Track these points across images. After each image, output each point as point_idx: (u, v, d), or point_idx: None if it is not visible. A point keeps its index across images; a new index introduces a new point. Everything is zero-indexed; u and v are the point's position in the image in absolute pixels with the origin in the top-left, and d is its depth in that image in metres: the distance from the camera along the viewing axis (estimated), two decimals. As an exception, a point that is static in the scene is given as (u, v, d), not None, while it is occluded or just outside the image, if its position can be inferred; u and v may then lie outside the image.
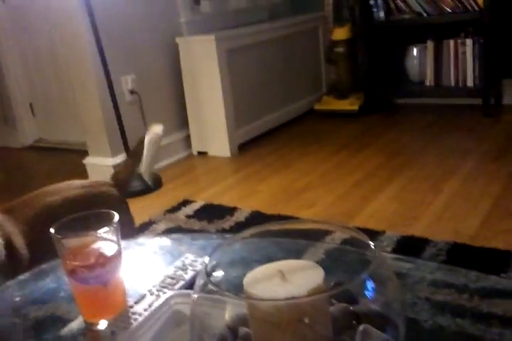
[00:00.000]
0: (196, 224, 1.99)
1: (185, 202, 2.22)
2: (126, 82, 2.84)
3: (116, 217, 0.80)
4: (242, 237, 0.66)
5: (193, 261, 0.89)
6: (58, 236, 0.75)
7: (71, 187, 1.40)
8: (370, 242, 0.57)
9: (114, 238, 0.79)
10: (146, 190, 2.49)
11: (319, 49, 3.81)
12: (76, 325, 0.78)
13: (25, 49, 3.47)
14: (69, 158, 3.05)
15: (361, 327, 0.57)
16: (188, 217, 2.09)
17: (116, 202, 1.41)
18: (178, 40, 2.99)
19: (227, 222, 1.97)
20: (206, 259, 0.59)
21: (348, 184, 2.23)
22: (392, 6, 3.40)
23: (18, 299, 0.87)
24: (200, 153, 3.03)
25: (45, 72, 3.42)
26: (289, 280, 0.55)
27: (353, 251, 0.88)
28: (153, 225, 2.00)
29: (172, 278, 0.84)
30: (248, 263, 0.76)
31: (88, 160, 2.80)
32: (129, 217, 1.45)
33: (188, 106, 3.03)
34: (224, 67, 2.92)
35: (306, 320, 0.54)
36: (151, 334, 0.71)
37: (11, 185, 2.77)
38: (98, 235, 0.78)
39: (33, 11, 3.28)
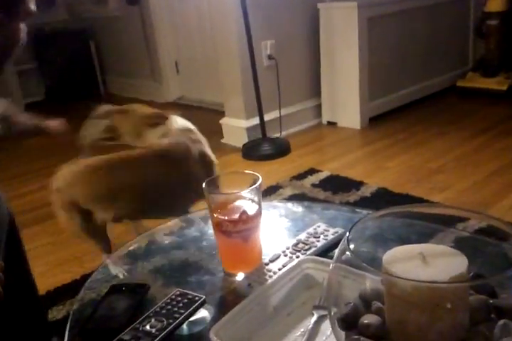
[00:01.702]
0: (321, 194, 2.01)
1: (312, 171, 2.24)
2: (265, 47, 2.88)
3: (260, 179, 0.84)
4: (379, 215, 0.66)
5: (325, 230, 0.91)
6: (208, 191, 0.82)
7: None
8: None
9: (256, 198, 0.83)
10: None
11: (469, 20, 3.52)
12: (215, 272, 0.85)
13: (174, 10, 3.65)
14: (207, 117, 3.20)
15: (501, 322, 0.55)
16: (314, 185, 2.11)
17: None
18: (319, 5, 2.95)
19: (353, 196, 1.96)
20: (346, 232, 0.60)
21: (486, 171, 2.08)
22: None
23: (167, 242, 0.97)
24: (329, 122, 3.01)
25: (191, 32, 3.58)
26: (430, 263, 0.55)
27: (487, 242, 0.84)
28: (280, 190, 2.05)
29: (304, 244, 0.87)
30: (381, 241, 0.77)
31: (224, 121, 2.92)
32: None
33: (323, 74, 3.01)
34: (363, 36, 2.83)
35: (448, 305, 0.54)
36: (283, 292, 0.76)
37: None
38: (243, 194, 0.83)
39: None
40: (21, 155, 3.01)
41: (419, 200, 1.85)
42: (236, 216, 0.81)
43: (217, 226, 0.83)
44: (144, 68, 4.01)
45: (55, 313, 1.43)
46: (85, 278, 1.55)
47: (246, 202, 0.83)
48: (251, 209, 0.83)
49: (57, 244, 1.90)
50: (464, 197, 1.88)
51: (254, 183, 0.83)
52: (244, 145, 2.67)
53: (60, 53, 4.22)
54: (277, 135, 2.76)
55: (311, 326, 0.70)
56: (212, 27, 3.16)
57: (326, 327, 0.71)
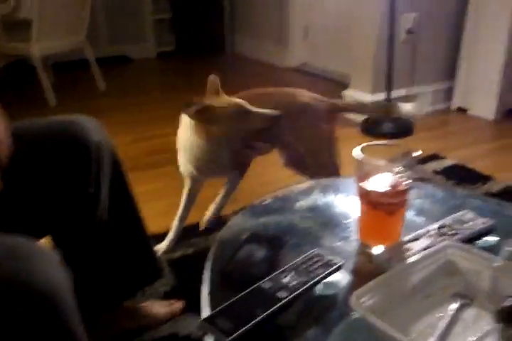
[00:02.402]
0: (443, 182, 1.91)
1: (435, 157, 2.13)
2: (406, 21, 2.73)
3: (416, 153, 0.81)
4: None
5: (472, 218, 0.87)
6: (358, 157, 0.80)
7: (304, 94, 1.54)
8: None
9: (407, 173, 0.80)
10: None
11: None
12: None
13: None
14: (328, 87, 3.15)
15: None
16: (436, 172, 2.02)
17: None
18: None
19: (477, 190, 1.84)
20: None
21: None
22: None
23: (300, 203, 0.97)
24: (459, 109, 2.83)
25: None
26: None
27: None
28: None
29: (450, 228, 0.83)
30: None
31: (347, 92, 2.85)
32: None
33: (462, 55, 2.81)
34: (519, 19, 2.58)
35: None
36: (423, 273, 0.73)
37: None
38: (395, 167, 0.80)
39: None
40: (156, 102, 3.17)
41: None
42: (386, 188, 0.79)
43: (364, 195, 0.81)
44: (272, 30, 4.00)
45: (172, 252, 1.52)
46: (198, 226, 1.64)
47: (395, 174, 0.81)
48: (401, 183, 0.80)
49: (180, 187, 2.00)
50: None
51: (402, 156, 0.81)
52: (365, 120, 2.60)
53: (195, 7, 4.33)
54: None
55: (453, 312, 0.68)
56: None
57: (468, 316, 0.68)
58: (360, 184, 0.81)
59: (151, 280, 1.25)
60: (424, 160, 2.07)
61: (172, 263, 1.46)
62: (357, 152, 0.80)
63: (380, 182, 0.80)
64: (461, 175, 1.97)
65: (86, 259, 1.07)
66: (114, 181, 1.07)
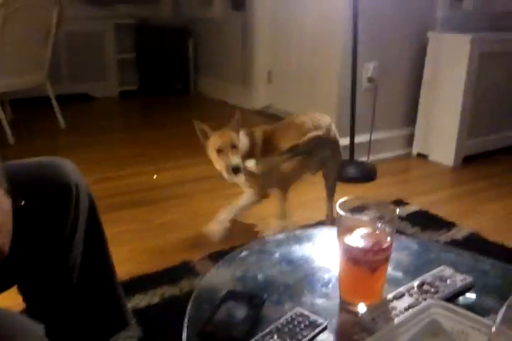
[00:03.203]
0: (408, 229, 1.93)
1: (398, 202, 2.16)
2: (367, 69, 2.84)
3: (397, 211, 0.80)
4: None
5: (451, 275, 0.86)
6: (341, 212, 0.79)
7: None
8: None
9: (390, 230, 0.80)
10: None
11: None
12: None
13: (277, 20, 3.66)
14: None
15: None
16: (401, 218, 2.04)
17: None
18: (429, 34, 2.87)
19: (443, 236, 1.87)
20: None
21: None
22: None
23: (277, 256, 0.95)
24: (419, 154, 2.91)
25: (290, 44, 3.58)
26: None
27: None
28: (365, 217, 1.99)
29: (431, 286, 0.82)
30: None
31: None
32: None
33: (421, 103, 2.92)
34: (472, 71, 2.73)
35: None
36: (409, 334, 0.72)
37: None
38: (377, 224, 0.80)
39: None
40: (118, 141, 3.12)
41: (516, 252, 1.74)
42: (369, 245, 0.78)
43: (346, 252, 0.80)
44: (236, 73, 4.07)
45: (137, 301, 1.44)
46: (167, 271, 1.58)
47: (379, 232, 0.80)
48: (384, 240, 0.79)
49: (144, 231, 1.94)
50: None
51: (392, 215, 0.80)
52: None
53: (159, 47, 4.36)
54: (364, 159, 2.70)
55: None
56: (314, 42, 3.16)
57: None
58: (343, 240, 0.79)
59: (118, 330, 1.17)
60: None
61: (138, 314, 1.38)
62: (339, 207, 0.79)
63: (363, 239, 0.79)
64: (425, 222, 2.00)
65: (53, 308, 1.00)
66: (89, 225, 1.03)
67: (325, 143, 1.84)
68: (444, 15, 2.97)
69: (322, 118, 1.89)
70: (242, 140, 1.72)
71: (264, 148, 1.76)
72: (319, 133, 1.81)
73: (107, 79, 4.26)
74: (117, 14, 4.24)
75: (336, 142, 1.91)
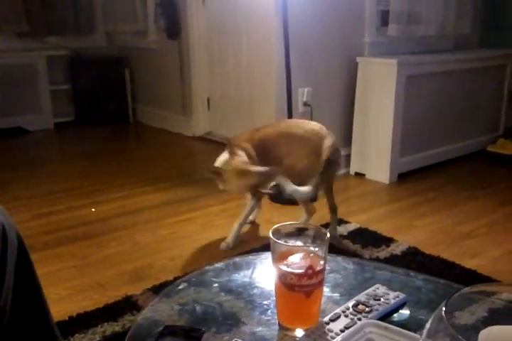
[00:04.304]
0: (350, 246, 1.97)
1: (340, 221, 2.21)
2: (302, 94, 2.93)
3: (328, 236, 0.82)
4: (468, 292, 0.63)
5: (385, 293, 0.88)
6: (274, 238, 0.80)
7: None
8: None
9: (323, 254, 0.81)
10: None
11: (503, 88, 3.57)
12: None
13: (212, 48, 3.73)
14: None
15: None
16: (342, 236, 2.08)
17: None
18: (358, 59, 3.01)
19: (383, 252, 1.92)
20: (443, 306, 0.57)
21: (520, 239, 2.05)
22: None
23: (216, 285, 0.94)
24: (357, 174, 3.01)
25: (227, 71, 3.65)
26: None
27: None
28: (307, 238, 2.02)
29: (365, 305, 0.84)
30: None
31: (251, 161, 2.93)
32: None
33: (355, 125, 3.04)
34: (400, 93, 2.87)
35: None
36: (347, 356, 0.72)
37: (182, 168, 2.98)
38: (310, 248, 0.81)
39: (227, 14, 3.51)
40: (54, 175, 3.02)
41: (452, 264, 1.81)
42: (302, 269, 0.79)
43: (281, 277, 0.80)
44: (175, 101, 4.08)
45: (77, 342, 1.39)
46: (108, 307, 1.53)
47: (313, 256, 0.81)
48: (317, 264, 0.80)
49: (82, 267, 1.87)
50: (499, 265, 1.83)
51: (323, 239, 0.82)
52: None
53: (94, 78, 4.31)
54: (305, 181, 2.76)
55: None
56: (250, 69, 3.23)
57: None
58: (277, 266, 0.80)
59: None
60: (329, 225, 2.14)
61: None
62: (272, 233, 0.80)
63: (297, 264, 0.80)
64: (365, 239, 2.05)
65: None
66: (20, 267, 0.98)
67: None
68: (372, 41, 3.13)
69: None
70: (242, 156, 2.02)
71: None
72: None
73: (40, 112, 4.15)
74: (49, 46, 4.17)
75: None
